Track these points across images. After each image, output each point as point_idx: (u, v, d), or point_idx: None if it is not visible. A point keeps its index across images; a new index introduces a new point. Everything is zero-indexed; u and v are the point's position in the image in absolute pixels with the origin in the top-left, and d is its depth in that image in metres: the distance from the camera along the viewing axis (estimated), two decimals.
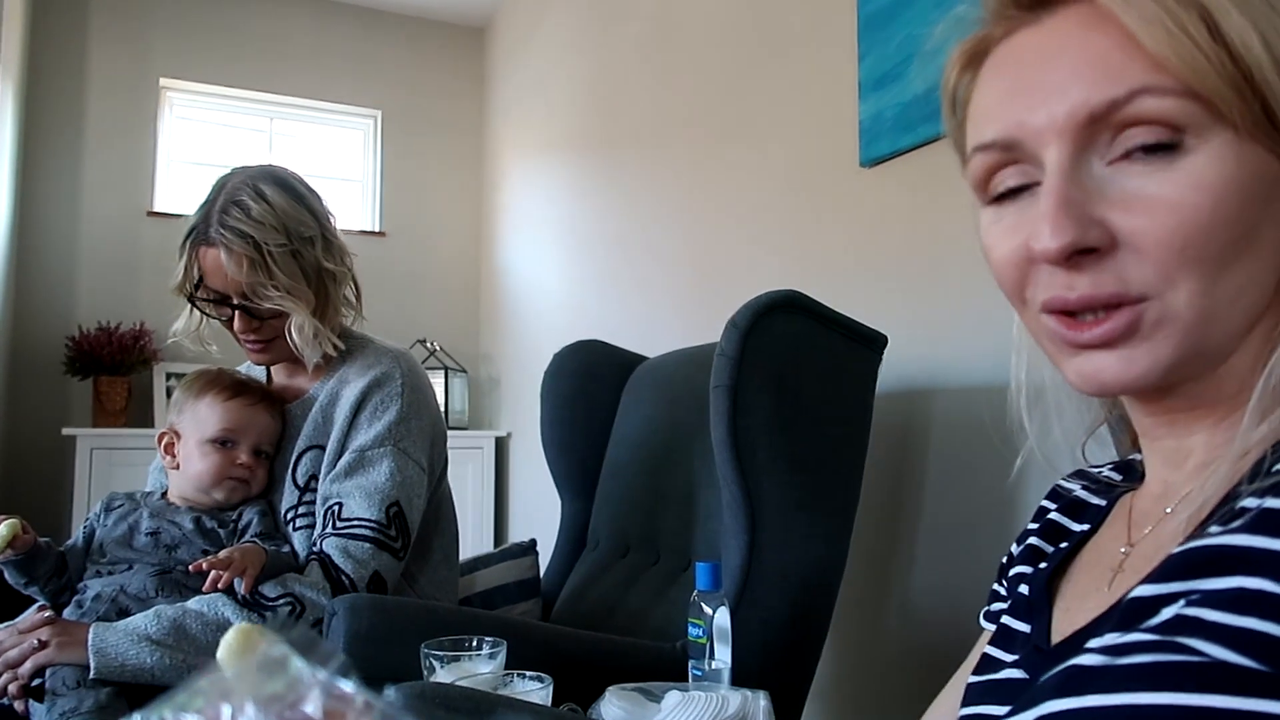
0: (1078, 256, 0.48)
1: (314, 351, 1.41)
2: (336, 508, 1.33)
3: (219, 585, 1.20)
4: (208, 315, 1.43)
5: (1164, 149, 0.46)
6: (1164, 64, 0.46)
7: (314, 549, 1.32)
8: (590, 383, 1.84)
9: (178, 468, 1.39)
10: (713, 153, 2.31)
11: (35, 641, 1.16)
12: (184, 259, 1.39)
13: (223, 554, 1.23)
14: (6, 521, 1.25)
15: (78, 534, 1.37)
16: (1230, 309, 0.48)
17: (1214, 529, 0.44)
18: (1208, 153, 0.46)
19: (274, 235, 1.34)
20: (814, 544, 1.31)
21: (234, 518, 1.36)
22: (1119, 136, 0.48)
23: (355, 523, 1.31)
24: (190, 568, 1.22)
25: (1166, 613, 0.42)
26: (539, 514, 3.31)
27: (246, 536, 1.33)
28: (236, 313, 1.38)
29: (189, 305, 1.43)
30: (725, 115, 2.25)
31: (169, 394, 3.52)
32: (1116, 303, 0.48)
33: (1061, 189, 0.48)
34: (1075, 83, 0.48)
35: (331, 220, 1.46)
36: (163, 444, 1.41)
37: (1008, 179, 0.53)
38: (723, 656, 1.08)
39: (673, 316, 2.47)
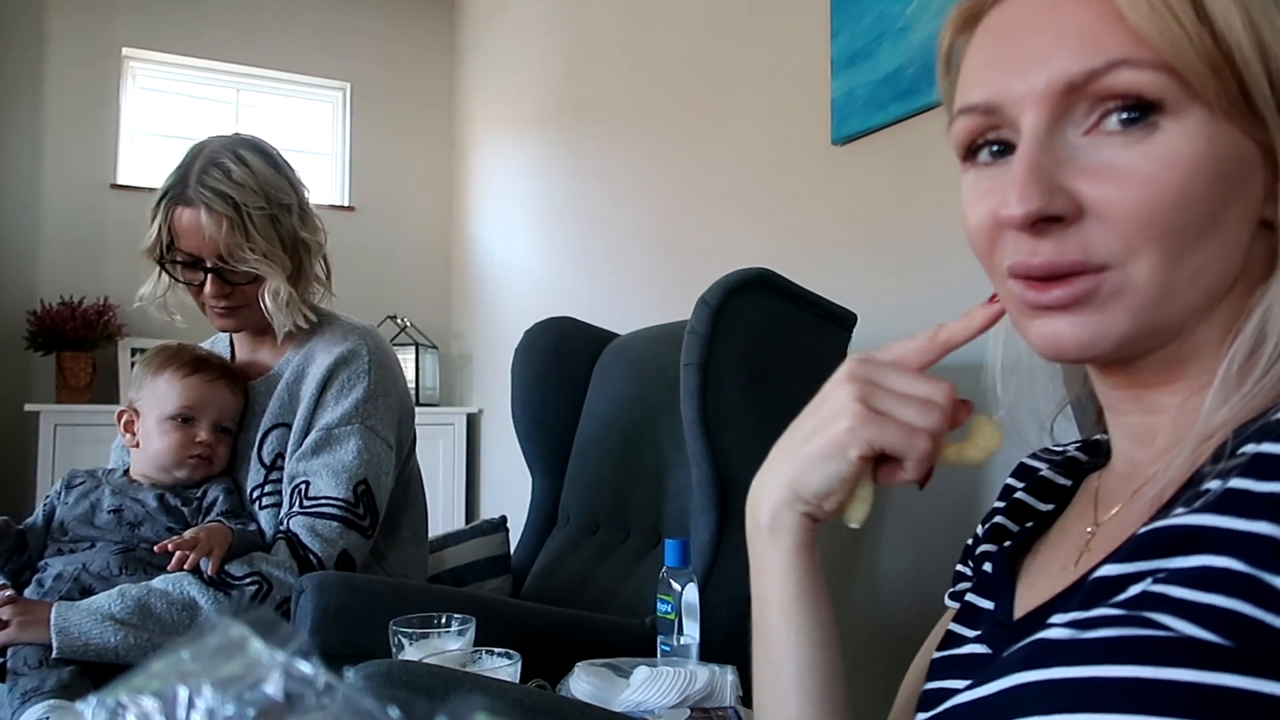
0: (1043, 224, 0.48)
1: (286, 319, 1.39)
2: (304, 486, 1.32)
3: (185, 566, 1.19)
4: (177, 280, 1.39)
5: (1139, 122, 0.47)
6: (1145, 38, 0.46)
7: (281, 528, 1.31)
8: (562, 360, 1.84)
9: (138, 445, 1.37)
10: (685, 129, 2.29)
11: None
12: (157, 220, 1.36)
13: (188, 534, 1.22)
14: None
15: (37, 512, 1.35)
16: (1190, 287, 0.48)
17: (1179, 510, 0.44)
18: (1182, 129, 0.46)
19: (254, 198, 1.33)
20: None
21: (198, 495, 1.35)
22: (1096, 107, 0.48)
23: (323, 501, 1.30)
24: (155, 548, 1.21)
25: (1133, 590, 0.43)
26: (509, 491, 3.31)
27: (212, 515, 1.32)
28: (209, 276, 1.35)
29: (157, 269, 1.40)
30: (698, 92, 2.24)
31: (134, 369, 3.47)
32: (1079, 270, 0.48)
33: (1032, 156, 0.49)
34: (1056, 52, 0.48)
35: (306, 192, 1.45)
36: (122, 421, 1.40)
37: (989, 143, 0.53)
38: (691, 632, 1.09)
39: (644, 294, 2.46)
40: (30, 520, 1.34)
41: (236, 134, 1.42)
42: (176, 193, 1.34)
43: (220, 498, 1.34)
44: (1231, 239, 0.48)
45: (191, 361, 1.38)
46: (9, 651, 1.15)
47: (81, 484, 1.35)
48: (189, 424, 1.35)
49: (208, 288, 1.36)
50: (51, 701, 1.11)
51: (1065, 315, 0.49)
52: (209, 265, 1.34)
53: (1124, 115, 0.47)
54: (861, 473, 0.54)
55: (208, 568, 1.21)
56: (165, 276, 1.40)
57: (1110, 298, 0.48)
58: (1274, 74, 0.46)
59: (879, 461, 0.54)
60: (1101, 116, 0.48)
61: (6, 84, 3.47)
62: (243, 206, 1.32)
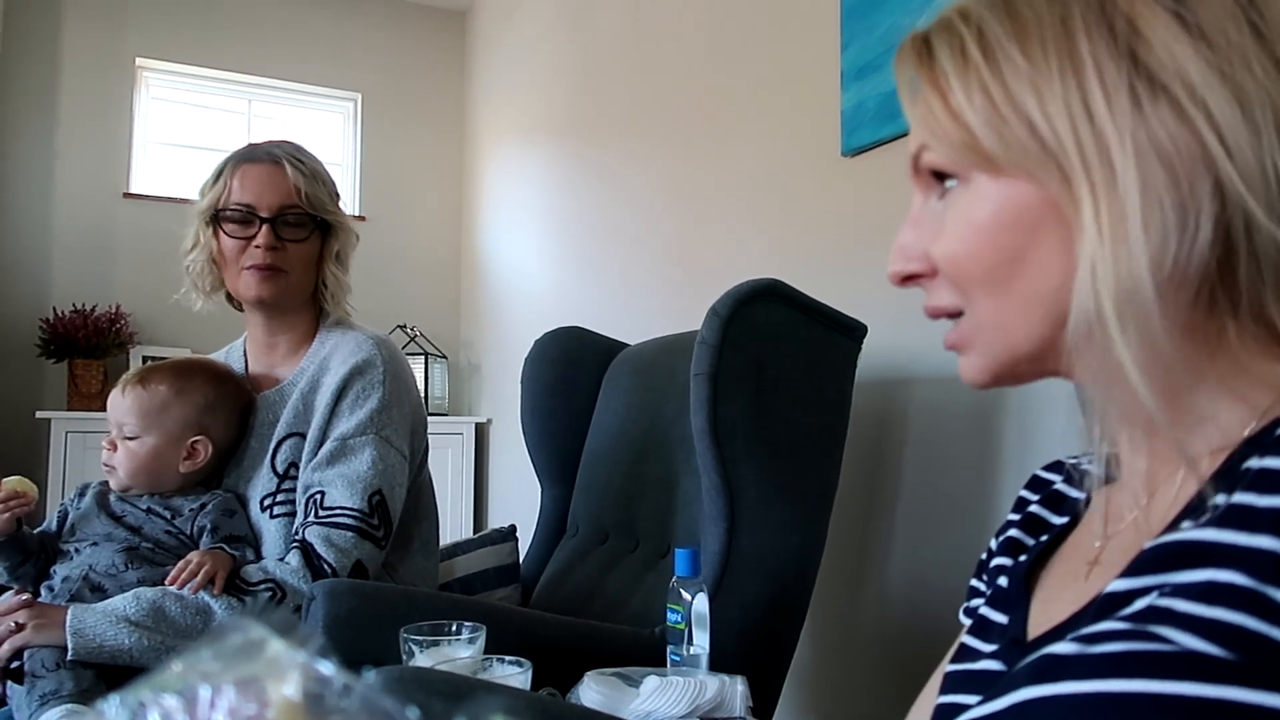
0: (910, 280, 0.58)
1: (339, 290, 1.47)
2: (319, 496, 1.32)
3: (193, 591, 1.20)
4: (229, 236, 1.40)
5: (948, 191, 0.56)
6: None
7: (296, 537, 1.32)
8: (571, 369, 1.84)
9: None
10: (694, 140, 2.30)
11: (11, 624, 1.15)
12: (219, 180, 1.41)
13: (193, 558, 1.23)
14: (18, 477, 1.30)
15: (51, 517, 1.36)
16: (1026, 314, 0.53)
17: (1185, 524, 0.45)
18: (969, 193, 0.54)
19: (321, 170, 1.46)
20: (792, 531, 1.32)
21: (193, 504, 1.35)
22: (932, 180, 0.57)
23: (338, 511, 1.30)
24: (166, 582, 1.22)
25: (1139, 604, 0.43)
26: (518, 500, 3.31)
27: (207, 540, 1.32)
28: (264, 227, 1.38)
29: (196, 234, 1.43)
30: (707, 103, 2.24)
31: None
32: (945, 314, 0.57)
33: (901, 230, 0.59)
34: (911, 133, 0.58)
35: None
36: None
37: None
38: (701, 642, 1.09)
39: (654, 304, 2.47)
40: (44, 525, 1.35)
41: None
42: (247, 154, 1.42)
43: (212, 524, 1.32)
44: (1049, 269, 0.51)
45: (123, 381, 1.40)
46: (26, 654, 1.16)
47: (93, 489, 1.37)
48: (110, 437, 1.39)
49: (260, 239, 1.38)
50: (69, 706, 1.12)
51: (959, 355, 0.58)
52: (264, 216, 1.38)
53: (942, 185, 0.56)
54: None
55: (214, 591, 1.22)
56: (206, 243, 1.42)
57: (973, 337, 0.56)
58: (1009, 135, 0.51)
59: None
60: (939, 187, 0.57)
61: (22, 94, 3.51)
62: (317, 173, 1.44)
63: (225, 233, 1.40)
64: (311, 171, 1.42)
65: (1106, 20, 0.49)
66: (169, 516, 1.32)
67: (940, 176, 0.56)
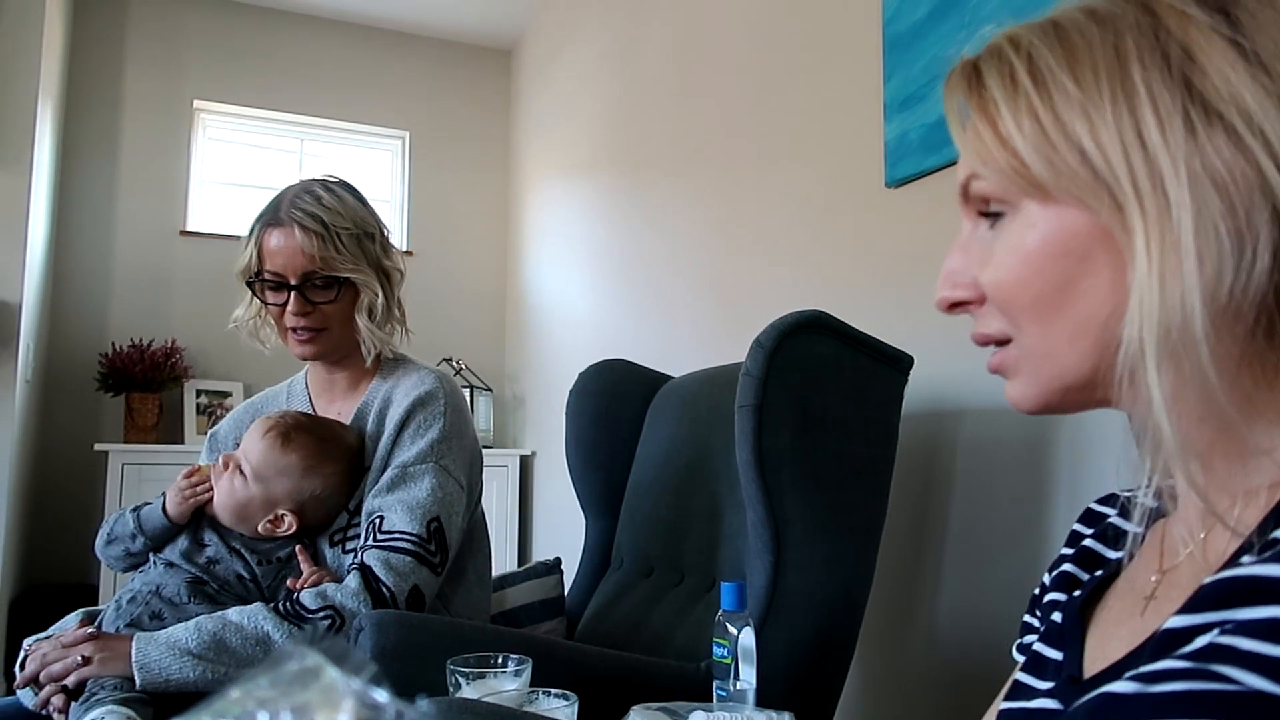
0: (958, 307, 0.59)
1: (376, 339, 1.45)
2: (378, 520, 1.34)
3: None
4: (264, 302, 1.45)
5: (997, 219, 0.55)
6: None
7: (354, 559, 1.33)
8: (615, 402, 1.85)
9: None
10: (737, 173, 2.31)
11: (78, 658, 1.18)
12: (250, 244, 1.44)
13: (314, 574, 1.31)
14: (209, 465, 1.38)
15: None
16: (1074, 344, 0.52)
17: (1247, 559, 0.44)
18: (1019, 220, 0.54)
19: (340, 220, 1.42)
20: (839, 565, 1.30)
21: (282, 555, 1.36)
22: (982, 208, 0.57)
23: (396, 535, 1.32)
24: (289, 583, 1.30)
25: (1199, 642, 0.42)
26: (563, 533, 3.31)
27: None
28: (292, 295, 1.40)
29: (250, 295, 1.47)
30: (750, 136, 2.26)
31: (199, 410, 3.56)
32: (992, 341, 0.57)
33: (950, 256, 0.59)
34: (960, 163, 0.58)
35: (387, 231, 1.53)
36: None
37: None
38: (747, 677, 1.08)
39: (697, 336, 2.47)
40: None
41: (326, 174, 1.51)
42: (269, 218, 1.43)
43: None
44: (1099, 298, 0.51)
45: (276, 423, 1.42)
46: (90, 682, 1.19)
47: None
48: None
49: (290, 305, 1.41)
50: (111, 706, 1.14)
51: (1005, 380, 0.58)
52: (293, 283, 1.40)
53: (989, 213, 0.56)
54: None
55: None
56: (255, 301, 1.47)
57: (1019, 364, 0.56)
58: (1059, 162, 0.50)
59: None
60: (988, 215, 0.57)
61: (85, 135, 3.63)
62: (331, 225, 1.40)
63: (263, 300, 1.45)
64: (331, 228, 1.40)
65: (1160, 47, 0.49)
66: (254, 561, 1.34)
67: (989, 205, 0.56)
